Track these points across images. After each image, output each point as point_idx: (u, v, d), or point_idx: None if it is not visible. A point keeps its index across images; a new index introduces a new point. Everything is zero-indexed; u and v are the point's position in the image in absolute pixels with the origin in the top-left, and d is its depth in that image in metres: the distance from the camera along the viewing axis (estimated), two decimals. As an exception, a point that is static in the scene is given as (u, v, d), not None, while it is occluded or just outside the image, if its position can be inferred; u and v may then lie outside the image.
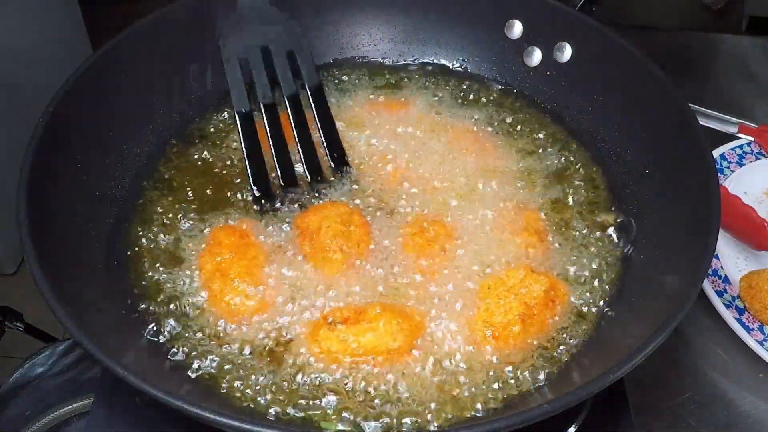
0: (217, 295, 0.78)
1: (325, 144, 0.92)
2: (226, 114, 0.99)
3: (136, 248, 0.84)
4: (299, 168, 0.90)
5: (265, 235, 0.84)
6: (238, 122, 0.90)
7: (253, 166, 0.88)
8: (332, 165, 0.91)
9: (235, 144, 0.95)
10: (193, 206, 0.88)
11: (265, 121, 0.91)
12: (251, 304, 0.78)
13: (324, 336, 0.74)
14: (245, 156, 0.88)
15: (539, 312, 0.78)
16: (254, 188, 0.87)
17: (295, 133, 0.91)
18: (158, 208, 0.88)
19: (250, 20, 0.94)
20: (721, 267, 0.98)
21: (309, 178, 0.89)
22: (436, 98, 1.03)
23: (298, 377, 0.73)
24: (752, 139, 1.15)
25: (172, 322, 0.77)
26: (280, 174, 0.88)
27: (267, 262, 0.81)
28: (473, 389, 0.73)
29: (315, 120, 0.93)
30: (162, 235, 0.85)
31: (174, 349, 0.75)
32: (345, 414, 0.70)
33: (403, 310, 0.77)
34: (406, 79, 1.06)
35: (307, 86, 0.94)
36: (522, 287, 0.78)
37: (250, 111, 0.90)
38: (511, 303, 0.77)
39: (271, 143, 0.90)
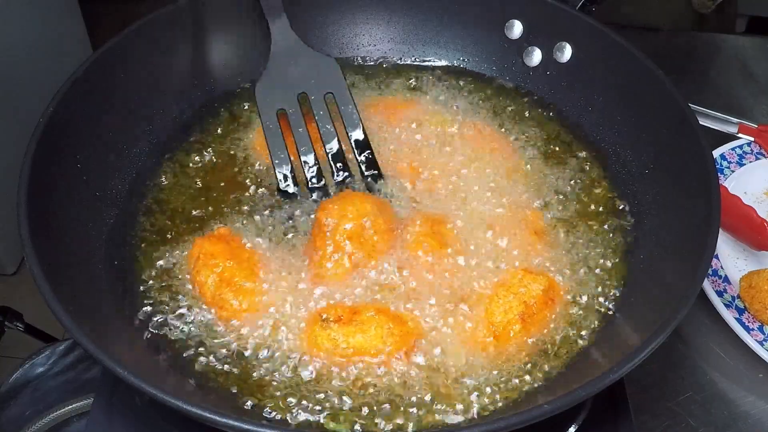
0: (227, 303, 0.78)
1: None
2: (226, 114, 0.99)
3: (137, 248, 0.84)
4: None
5: (254, 239, 0.84)
6: (279, 184, 0.88)
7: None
8: None
9: (235, 143, 0.96)
10: (193, 205, 0.88)
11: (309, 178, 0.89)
12: (253, 305, 0.78)
13: (317, 334, 0.74)
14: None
15: (538, 311, 0.78)
16: None
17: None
18: (158, 209, 0.88)
19: (285, 66, 0.92)
20: (721, 267, 0.98)
21: None
22: (436, 98, 1.03)
23: (295, 377, 0.73)
24: (752, 139, 1.15)
25: (172, 321, 0.77)
26: None
27: (261, 263, 0.81)
28: (473, 389, 0.73)
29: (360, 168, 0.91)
30: (162, 235, 0.85)
31: (174, 349, 0.75)
32: (341, 415, 0.70)
33: (397, 314, 0.76)
34: (406, 80, 1.06)
35: (348, 134, 0.90)
36: (521, 287, 0.78)
37: (293, 173, 0.89)
38: (511, 302, 0.77)
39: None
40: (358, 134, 0.91)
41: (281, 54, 0.92)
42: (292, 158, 0.89)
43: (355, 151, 0.90)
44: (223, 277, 0.78)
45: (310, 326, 0.75)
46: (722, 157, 1.12)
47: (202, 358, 0.74)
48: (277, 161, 0.88)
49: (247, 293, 0.78)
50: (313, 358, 0.74)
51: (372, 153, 0.90)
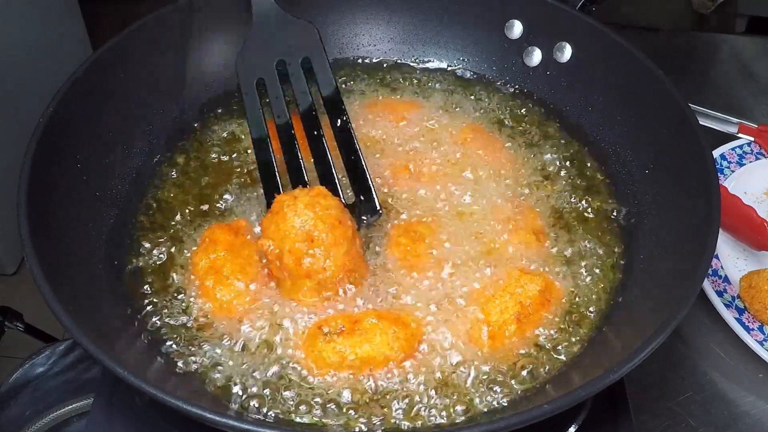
0: (213, 294, 0.78)
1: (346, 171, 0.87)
2: (225, 114, 0.99)
3: (136, 248, 0.84)
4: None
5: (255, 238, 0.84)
6: (254, 149, 0.88)
7: (269, 191, 0.86)
8: (355, 193, 0.86)
9: (235, 142, 0.96)
10: (193, 205, 0.88)
11: (281, 139, 0.88)
12: (248, 303, 0.78)
13: (321, 348, 0.73)
14: (262, 182, 0.87)
15: (534, 311, 0.77)
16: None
17: (312, 153, 0.88)
18: (158, 208, 0.88)
19: (266, 34, 0.92)
20: (721, 267, 0.98)
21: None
22: (436, 98, 1.03)
23: (295, 380, 0.73)
24: (752, 139, 1.15)
25: (172, 321, 0.77)
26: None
27: (261, 263, 0.81)
28: (472, 390, 0.73)
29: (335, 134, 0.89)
30: (162, 235, 0.85)
31: (174, 349, 0.75)
32: (343, 417, 0.70)
33: (398, 317, 0.76)
34: (406, 80, 1.06)
35: (322, 95, 0.90)
36: (517, 287, 0.78)
37: (267, 137, 0.88)
38: (507, 303, 0.77)
39: (286, 165, 0.87)
40: (332, 95, 0.90)
41: (261, 23, 0.92)
42: (273, 143, 0.88)
43: (347, 168, 0.87)
44: (214, 265, 0.79)
45: (312, 340, 0.74)
46: (722, 157, 1.12)
47: (201, 359, 0.74)
48: (254, 129, 0.88)
49: (228, 287, 0.78)
50: (315, 364, 0.73)
51: (372, 185, 0.86)
